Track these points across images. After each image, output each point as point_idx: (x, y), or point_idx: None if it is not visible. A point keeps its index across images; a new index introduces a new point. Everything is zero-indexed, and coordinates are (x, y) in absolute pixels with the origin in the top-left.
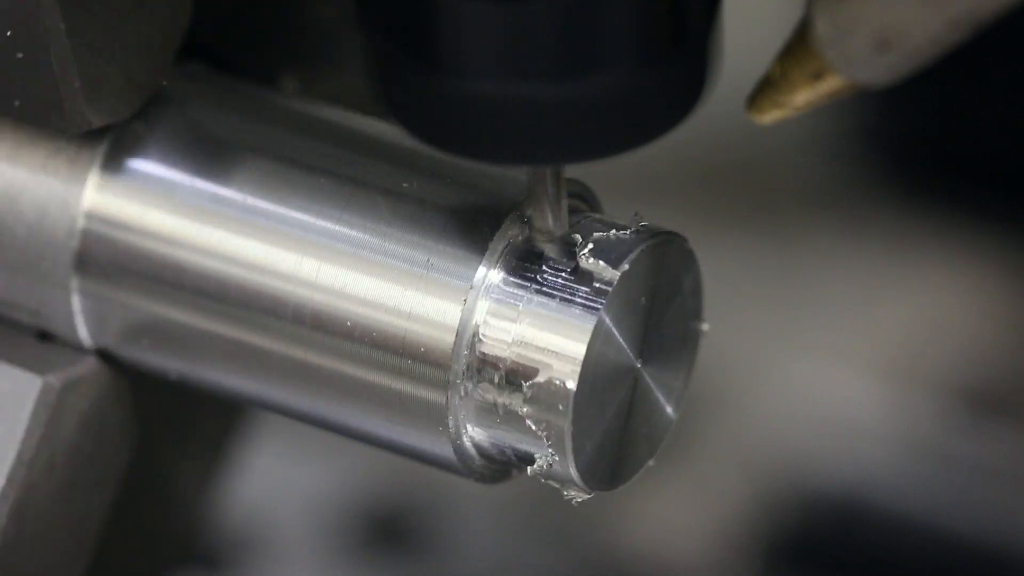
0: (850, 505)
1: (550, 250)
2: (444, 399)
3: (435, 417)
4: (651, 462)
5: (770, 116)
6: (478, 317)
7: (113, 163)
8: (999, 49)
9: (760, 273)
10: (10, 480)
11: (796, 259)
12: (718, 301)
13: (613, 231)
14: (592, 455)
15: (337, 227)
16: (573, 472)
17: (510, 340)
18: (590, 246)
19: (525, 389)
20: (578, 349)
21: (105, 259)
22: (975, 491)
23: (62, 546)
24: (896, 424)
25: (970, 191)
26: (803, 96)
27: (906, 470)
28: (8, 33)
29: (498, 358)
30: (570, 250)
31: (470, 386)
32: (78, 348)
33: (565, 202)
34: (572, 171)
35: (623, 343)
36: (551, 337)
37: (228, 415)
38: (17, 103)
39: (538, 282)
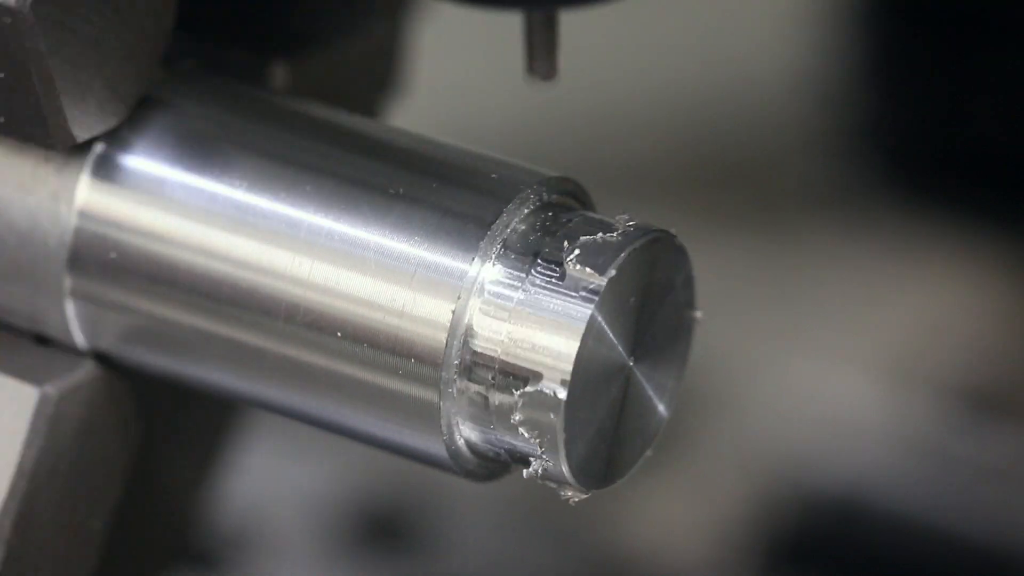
0: (850, 505)
1: (543, 245)
2: (436, 397)
3: (427, 416)
4: (649, 451)
5: None
6: (470, 316)
7: (104, 164)
8: (999, 49)
9: (760, 273)
10: (11, 492)
11: (796, 259)
12: (718, 301)
13: (601, 234)
14: (585, 454)
15: (330, 225)
16: (566, 471)
17: (502, 339)
18: (578, 250)
19: (517, 389)
20: (570, 348)
21: (98, 261)
22: (975, 491)
23: (69, 552)
24: (896, 424)
25: (970, 191)
26: None
27: (906, 470)
28: None
29: (490, 357)
30: (562, 249)
31: (462, 385)
32: (75, 352)
33: (558, 50)
34: (569, 170)
35: (615, 341)
36: (543, 336)
37: (223, 414)
38: (1, 120)
39: (530, 282)
